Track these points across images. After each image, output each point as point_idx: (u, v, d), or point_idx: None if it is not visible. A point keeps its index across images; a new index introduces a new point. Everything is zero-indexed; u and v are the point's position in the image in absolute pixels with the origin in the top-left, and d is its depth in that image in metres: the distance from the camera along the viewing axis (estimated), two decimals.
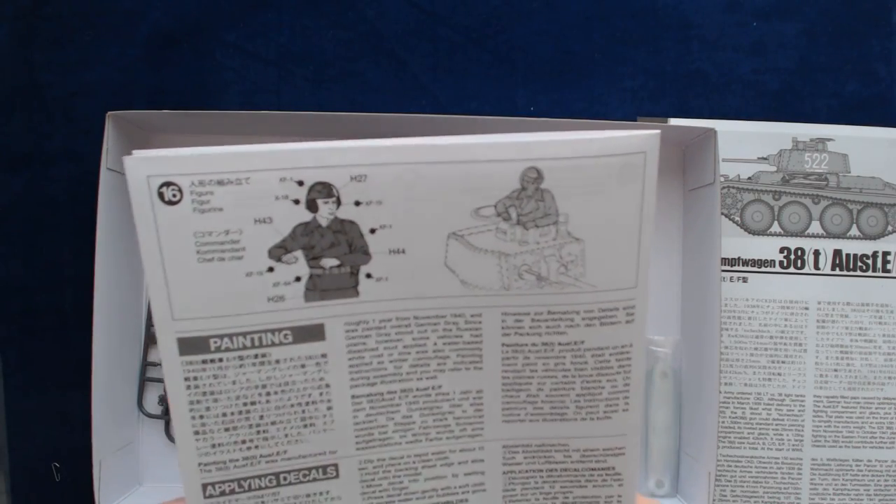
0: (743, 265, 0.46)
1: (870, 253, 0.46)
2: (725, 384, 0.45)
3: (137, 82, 0.46)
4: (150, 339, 0.44)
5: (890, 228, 0.46)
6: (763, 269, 0.46)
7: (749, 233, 0.46)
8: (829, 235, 0.46)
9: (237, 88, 0.46)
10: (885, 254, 0.46)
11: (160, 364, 0.43)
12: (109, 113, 0.40)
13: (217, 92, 0.46)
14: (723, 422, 0.45)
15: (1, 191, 0.46)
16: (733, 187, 0.46)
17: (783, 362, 0.45)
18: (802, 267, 0.46)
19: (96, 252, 0.39)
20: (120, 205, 0.41)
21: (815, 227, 0.46)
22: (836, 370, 0.45)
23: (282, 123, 0.43)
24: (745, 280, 0.46)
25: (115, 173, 0.41)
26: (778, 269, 0.46)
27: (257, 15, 0.46)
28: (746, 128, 0.46)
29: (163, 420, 0.43)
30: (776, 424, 0.45)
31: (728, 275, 0.46)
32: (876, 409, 0.45)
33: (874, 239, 0.46)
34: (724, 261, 0.45)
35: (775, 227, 0.46)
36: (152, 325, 0.44)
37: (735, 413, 0.45)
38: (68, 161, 0.45)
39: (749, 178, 0.46)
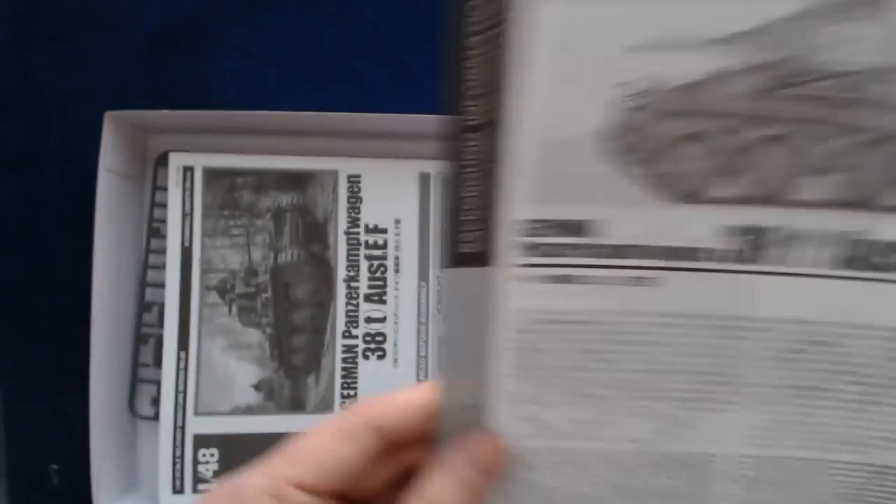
0: None
1: None
2: None
3: (136, 82, 0.45)
4: (140, 339, 0.43)
5: None
6: None
7: None
8: None
9: (237, 88, 0.46)
10: None
11: (151, 365, 0.43)
12: (107, 113, 0.40)
13: (216, 92, 0.46)
14: None
15: None
16: None
17: None
18: None
19: (94, 253, 0.39)
20: (117, 205, 0.41)
21: None
22: None
23: (282, 123, 0.42)
24: None
25: (113, 174, 0.40)
26: None
27: (257, 15, 0.46)
28: None
29: (156, 422, 0.43)
30: None
31: None
32: None
33: None
34: None
35: None
36: (142, 325, 0.43)
37: None
38: (65, 161, 0.45)
39: None
